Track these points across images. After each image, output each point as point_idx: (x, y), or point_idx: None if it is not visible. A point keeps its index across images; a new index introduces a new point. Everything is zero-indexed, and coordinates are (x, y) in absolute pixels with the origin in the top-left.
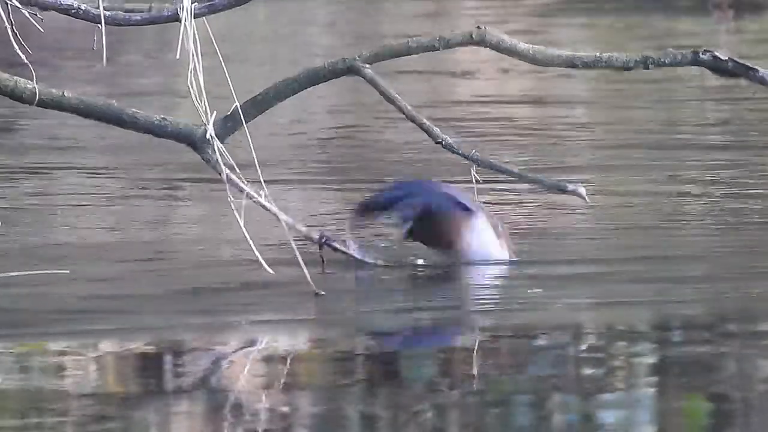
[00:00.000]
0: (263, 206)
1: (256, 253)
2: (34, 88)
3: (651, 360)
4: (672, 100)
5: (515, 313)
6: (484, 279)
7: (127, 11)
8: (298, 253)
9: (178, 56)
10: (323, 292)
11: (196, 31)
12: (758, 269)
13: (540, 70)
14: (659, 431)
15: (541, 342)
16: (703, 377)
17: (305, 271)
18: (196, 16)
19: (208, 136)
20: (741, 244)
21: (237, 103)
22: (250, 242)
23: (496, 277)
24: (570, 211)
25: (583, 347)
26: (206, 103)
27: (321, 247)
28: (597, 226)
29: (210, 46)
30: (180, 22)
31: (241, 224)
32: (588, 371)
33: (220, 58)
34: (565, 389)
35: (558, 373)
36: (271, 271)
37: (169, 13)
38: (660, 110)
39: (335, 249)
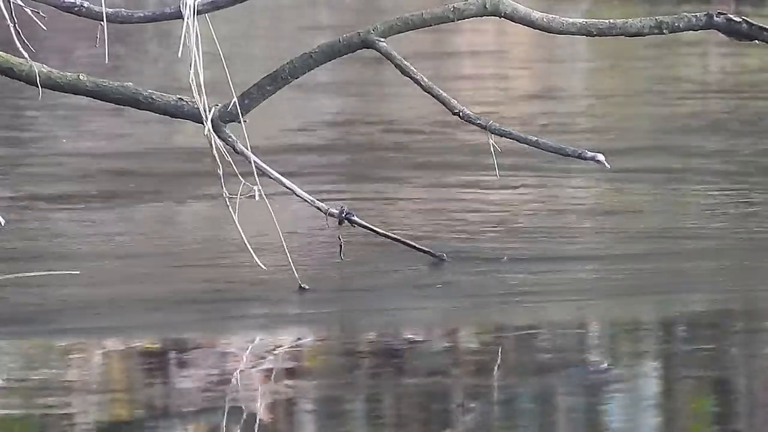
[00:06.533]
0: (280, 181)
1: (250, 249)
2: (49, 71)
3: (656, 355)
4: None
5: (519, 310)
6: (485, 275)
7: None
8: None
9: (179, 54)
10: (307, 286)
11: (198, 28)
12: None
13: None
14: (665, 425)
15: (545, 338)
16: (710, 372)
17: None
18: (198, 12)
19: (211, 117)
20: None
21: (238, 93)
22: (243, 237)
23: (497, 275)
24: (571, 208)
25: (587, 343)
26: (206, 101)
27: (341, 222)
28: (599, 225)
29: (212, 44)
30: (183, 19)
31: (235, 218)
32: (592, 367)
33: (218, 46)
34: (569, 384)
35: (561, 369)
36: (263, 267)
37: (172, 10)
38: (663, 107)
39: (357, 224)
